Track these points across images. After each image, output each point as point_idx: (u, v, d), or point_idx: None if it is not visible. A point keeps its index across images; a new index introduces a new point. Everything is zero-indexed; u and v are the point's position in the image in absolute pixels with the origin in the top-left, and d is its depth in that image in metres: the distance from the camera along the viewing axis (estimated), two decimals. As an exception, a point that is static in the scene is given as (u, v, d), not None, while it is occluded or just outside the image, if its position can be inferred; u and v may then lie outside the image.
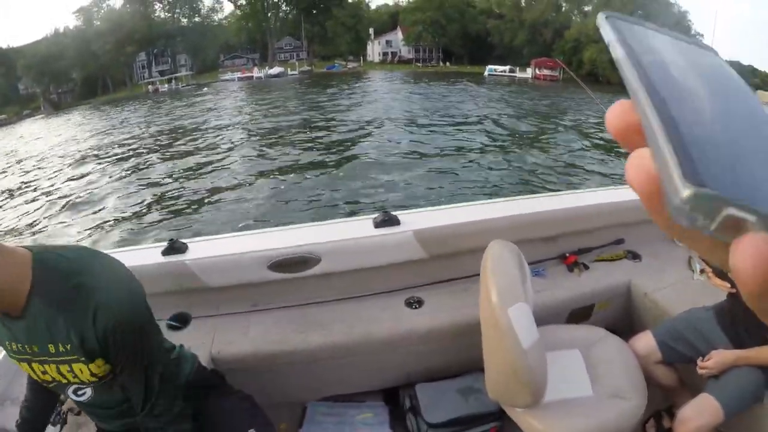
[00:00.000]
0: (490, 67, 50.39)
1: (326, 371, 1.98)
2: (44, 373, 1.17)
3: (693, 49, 0.27)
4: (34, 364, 1.16)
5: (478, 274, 1.69)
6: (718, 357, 1.71)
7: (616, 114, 0.22)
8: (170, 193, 10.51)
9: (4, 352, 1.74)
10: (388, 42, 70.27)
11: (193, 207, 9.16)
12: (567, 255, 2.34)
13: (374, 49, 71.39)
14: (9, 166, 18.19)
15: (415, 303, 2.06)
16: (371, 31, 70.94)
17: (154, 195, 10.43)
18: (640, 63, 0.21)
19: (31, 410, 1.39)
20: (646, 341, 1.91)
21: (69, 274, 1.08)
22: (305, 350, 1.89)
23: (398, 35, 68.37)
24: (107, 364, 1.14)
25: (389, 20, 72.40)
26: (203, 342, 1.69)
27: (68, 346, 1.09)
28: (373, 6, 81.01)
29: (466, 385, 1.97)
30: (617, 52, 0.23)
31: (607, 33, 0.25)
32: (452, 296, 2.08)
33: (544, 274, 2.26)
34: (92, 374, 1.14)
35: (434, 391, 1.96)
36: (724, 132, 0.20)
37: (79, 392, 1.23)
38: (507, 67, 49.34)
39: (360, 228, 2.08)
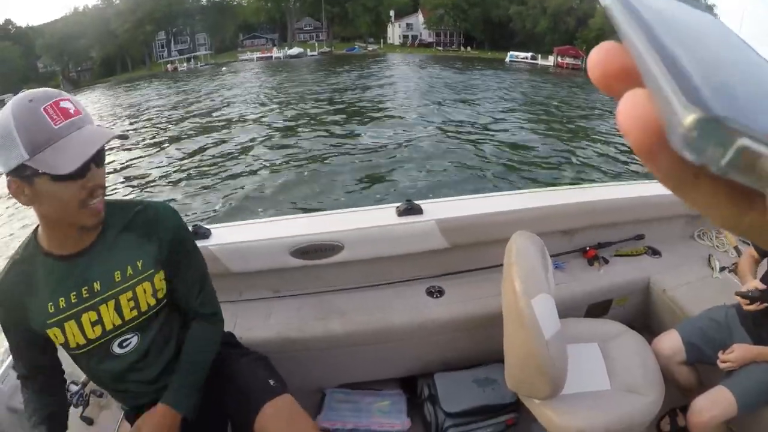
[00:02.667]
0: (511, 53, 49.76)
1: (345, 358, 1.99)
2: (95, 323, 1.21)
3: (690, 7, 0.25)
4: (85, 315, 1.19)
5: (500, 265, 1.69)
6: (740, 351, 1.70)
7: (600, 58, 0.20)
8: (192, 176, 10.51)
9: None
10: (408, 25, 69.69)
11: (214, 192, 9.15)
12: (587, 249, 2.32)
13: (394, 32, 70.83)
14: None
15: (436, 292, 2.06)
16: (392, 13, 70.30)
17: (176, 179, 10.46)
18: (629, 3, 0.20)
19: (47, 416, 1.32)
20: (672, 340, 1.89)
21: (133, 203, 1.28)
22: (325, 337, 1.91)
23: (419, 18, 67.79)
24: (165, 279, 1.29)
25: (410, 3, 71.56)
26: (225, 327, 1.72)
27: (139, 263, 1.23)
28: None
29: (484, 375, 1.98)
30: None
31: None
32: (473, 286, 2.07)
33: (563, 267, 2.26)
34: (153, 293, 1.26)
35: (452, 381, 1.97)
36: (723, 62, 0.18)
37: (125, 343, 1.27)
38: (529, 54, 48.64)
39: (383, 216, 2.06)
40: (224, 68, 55.80)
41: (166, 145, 14.37)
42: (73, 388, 1.66)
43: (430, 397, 1.97)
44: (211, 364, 1.39)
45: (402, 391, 2.09)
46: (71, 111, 1.03)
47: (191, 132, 16.08)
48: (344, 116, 16.33)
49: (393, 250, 2.05)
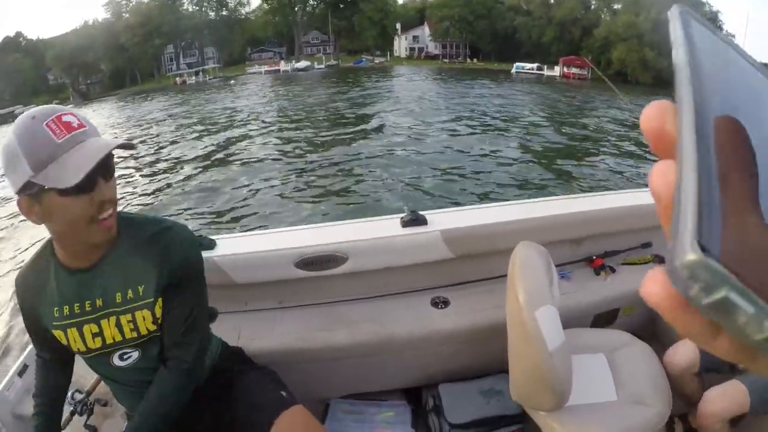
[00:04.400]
0: (517, 64, 49.95)
1: (350, 369, 1.99)
2: (96, 335, 1.22)
3: (762, 78, 0.23)
4: (86, 326, 1.21)
5: (505, 276, 1.67)
6: None
7: (653, 116, 0.21)
8: (197, 188, 10.60)
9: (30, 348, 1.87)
10: (415, 37, 70.22)
11: (220, 202, 9.24)
12: (593, 258, 2.30)
13: (401, 45, 71.27)
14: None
15: (440, 303, 2.05)
16: (398, 26, 70.90)
17: (183, 190, 10.56)
18: (699, 78, 0.19)
19: (46, 396, 1.39)
20: (687, 351, 1.83)
21: (151, 222, 1.27)
22: (330, 348, 1.91)
23: (425, 31, 68.30)
24: (163, 306, 1.26)
25: (416, 15, 72.24)
26: (229, 337, 1.70)
27: (141, 289, 1.21)
28: (400, 1, 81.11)
29: (489, 386, 1.97)
30: (679, 55, 0.21)
31: (676, 29, 0.22)
32: (478, 297, 2.06)
33: (569, 276, 2.23)
34: (153, 321, 1.23)
35: (457, 392, 1.96)
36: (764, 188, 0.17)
37: (125, 356, 1.27)
38: (535, 65, 48.82)
39: (387, 227, 2.06)
40: (232, 81, 56.43)
41: (175, 156, 14.55)
42: (78, 396, 1.65)
43: (434, 408, 1.96)
44: (216, 374, 1.41)
45: (406, 402, 2.07)
46: (74, 125, 1.03)
47: (199, 143, 16.27)
48: (350, 128, 16.44)
49: (397, 260, 2.05)
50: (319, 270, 2.01)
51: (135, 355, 1.28)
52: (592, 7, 55.84)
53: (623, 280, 2.23)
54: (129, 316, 1.22)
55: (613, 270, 2.28)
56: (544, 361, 1.46)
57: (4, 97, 66.67)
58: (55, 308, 1.21)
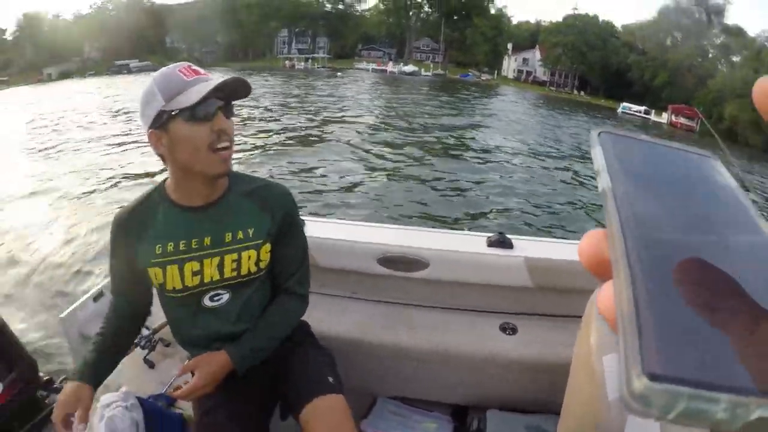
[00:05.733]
0: (624, 104, 48.01)
1: (405, 372, 2.00)
2: (195, 273, 1.31)
3: (690, 161, 0.26)
4: (188, 264, 1.30)
5: (578, 316, 1.64)
6: None
7: (591, 251, 0.22)
8: (293, 167, 10.88)
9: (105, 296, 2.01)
10: (524, 60, 69.67)
11: (309, 185, 9.42)
12: None
13: (509, 65, 70.98)
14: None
15: (509, 329, 2.03)
16: (509, 45, 70.67)
17: (279, 166, 10.87)
18: (627, 206, 0.21)
19: (111, 333, 1.41)
20: None
21: (256, 179, 1.42)
22: (391, 347, 1.94)
23: (536, 55, 67.63)
24: (270, 252, 1.39)
25: (529, 38, 71.95)
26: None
27: (252, 231, 1.33)
28: (515, 21, 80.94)
29: (536, 424, 1.90)
30: (603, 182, 0.23)
31: (598, 157, 0.24)
32: (548, 331, 2.03)
33: None
34: (257, 261, 1.35)
35: (504, 422, 1.92)
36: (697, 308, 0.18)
37: (216, 297, 1.36)
38: (642, 108, 46.70)
39: (473, 243, 2.07)
40: (340, 73, 58.20)
41: (275, 134, 15.06)
42: (144, 332, 1.74)
43: (477, 431, 1.95)
44: (282, 341, 1.45)
45: (451, 418, 2.05)
46: (201, 72, 1.22)
47: (300, 125, 16.77)
48: (446, 139, 16.39)
49: (476, 278, 2.04)
50: (399, 270, 2.05)
51: (226, 297, 1.37)
52: (710, 56, 52.96)
53: None
54: (234, 255, 1.32)
55: None
56: (601, 408, 1.41)
57: (123, 50, 72.49)
58: (158, 245, 1.28)
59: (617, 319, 0.18)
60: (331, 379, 1.46)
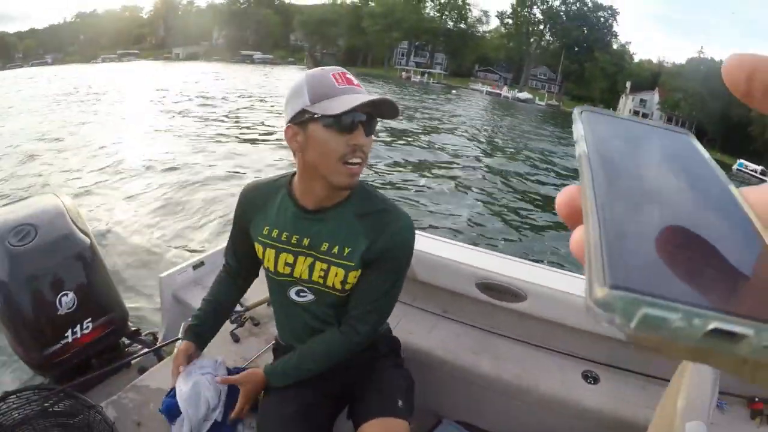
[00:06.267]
0: (740, 161, 45.75)
1: (476, 398, 1.98)
2: (288, 265, 1.32)
3: (665, 135, 0.28)
4: (284, 254, 1.32)
5: (664, 379, 1.69)
6: None
7: (564, 200, 0.25)
8: (400, 177, 10.74)
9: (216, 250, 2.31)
10: (642, 101, 67.30)
11: (415, 199, 9.27)
12: (756, 399, 1.90)
13: (626, 104, 68.14)
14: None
15: (591, 378, 1.93)
16: (628, 84, 68.76)
17: (382, 176, 10.66)
18: (599, 165, 0.23)
19: (216, 302, 1.51)
20: None
21: (382, 200, 1.35)
22: (471, 371, 1.92)
23: (654, 97, 65.49)
24: (359, 277, 1.32)
25: (649, 78, 69.52)
26: (389, 321, 1.59)
27: (347, 250, 1.28)
28: (636, 58, 78.52)
29: (601, 479, 1.78)
30: (580, 147, 0.25)
31: (578, 129, 0.27)
32: (629, 387, 1.90)
33: (723, 408, 1.88)
34: (342, 281, 1.30)
35: (566, 469, 1.84)
36: (665, 229, 0.20)
37: (302, 294, 1.36)
38: (760, 168, 44.23)
39: (573, 284, 2.00)
40: (454, 91, 58.85)
41: (384, 144, 14.48)
42: (238, 308, 1.87)
43: (536, 472, 1.86)
44: (365, 349, 1.41)
45: (512, 453, 2.01)
46: (354, 82, 1.19)
47: (407, 139, 16.57)
48: (553, 176, 16.08)
49: (570, 320, 1.98)
50: (496, 299, 2.05)
51: (310, 297, 1.36)
52: None
53: None
54: (325, 266, 1.29)
55: None
56: None
57: (248, 41, 79.49)
58: (267, 227, 1.32)
59: (585, 250, 0.19)
60: (400, 403, 1.40)
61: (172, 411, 1.35)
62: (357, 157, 1.18)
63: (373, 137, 1.22)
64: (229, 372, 1.45)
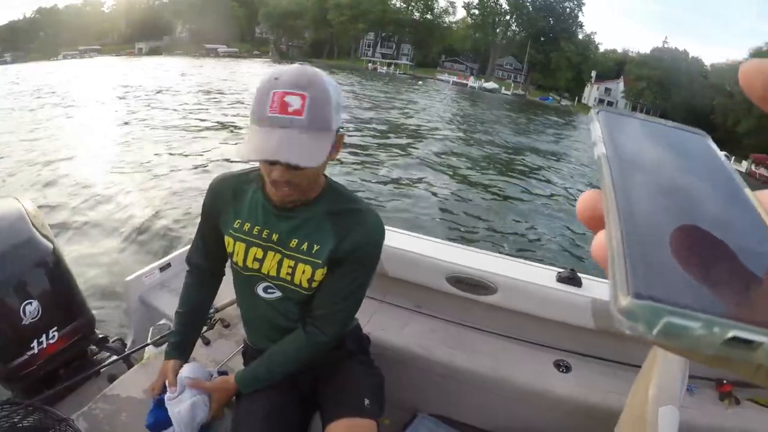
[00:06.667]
0: (702, 149, 47.66)
1: (451, 392, 1.99)
2: (257, 260, 1.29)
3: (682, 136, 0.29)
4: (253, 248, 1.29)
5: (635, 365, 1.70)
6: None
7: (586, 205, 0.25)
8: (365, 174, 10.54)
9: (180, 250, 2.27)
10: (607, 90, 68.43)
11: (378, 191, 9.22)
12: (724, 382, 1.95)
13: (591, 93, 69.50)
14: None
15: (563, 367, 1.95)
16: (593, 73, 69.62)
17: (353, 173, 10.45)
18: (619, 168, 0.24)
19: (191, 311, 1.49)
20: None
21: (352, 199, 1.32)
22: (445, 366, 1.92)
23: (619, 86, 66.47)
24: (325, 276, 1.29)
25: (614, 68, 70.56)
26: (360, 318, 1.62)
27: (316, 248, 1.25)
28: (602, 48, 79.13)
29: (575, 465, 1.83)
30: (598, 149, 0.26)
31: (596, 130, 0.27)
32: (601, 375, 1.93)
33: (693, 391, 1.91)
34: (309, 279, 1.27)
35: (542, 458, 1.88)
36: (683, 236, 0.21)
37: (269, 290, 1.34)
38: (723, 154, 46.47)
39: (542, 275, 2.03)
40: (420, 82, 58.71)
41: (351, 137, 14.23)
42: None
43: (512, 462, 1.89)
44: (334, 348, 1.40)
45: (490, 446, 2.02)
46: (290, 109, 1.04)
47: (373, 132, 16.31)
48: (521, 165, 15.76)
49: (541, 311, 2.01)
50: (467, 292, 2.05)
51: (277, 294, 1.33)
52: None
53: (744, 417, 1.87)
54: (292, 262, 1.27)
55: (737, 402, 1.93)
56: None
57: (212, 35, 77.28)
58: (238, 220, 1.29)
59: (608, 257, 0.20)
60: (367, 402, 1.37)
61: (160, 425, 1.34)
62: (279, 185, 1.16)
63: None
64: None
